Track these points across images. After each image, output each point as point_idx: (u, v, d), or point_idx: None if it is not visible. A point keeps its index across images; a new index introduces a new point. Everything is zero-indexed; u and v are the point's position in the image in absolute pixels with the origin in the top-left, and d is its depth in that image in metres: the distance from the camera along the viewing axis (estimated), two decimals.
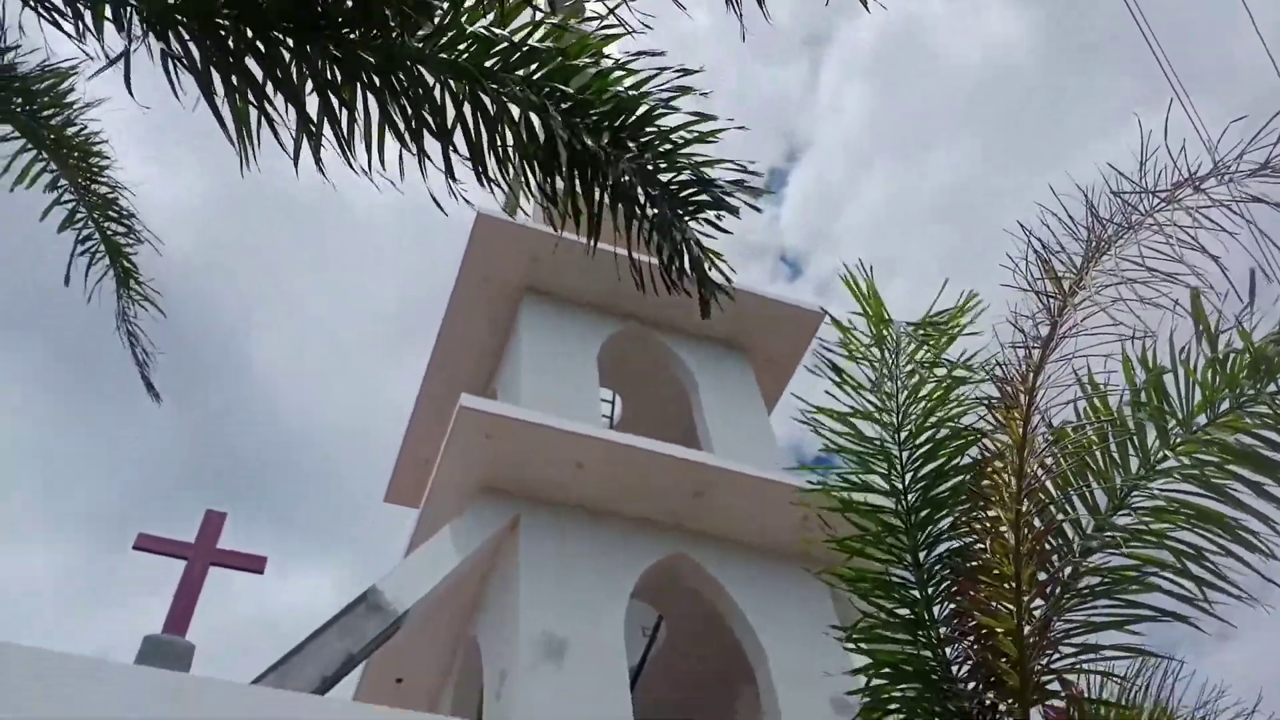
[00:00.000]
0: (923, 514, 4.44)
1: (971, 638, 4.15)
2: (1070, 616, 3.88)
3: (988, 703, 4.05)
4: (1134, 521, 3.80)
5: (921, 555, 4.38)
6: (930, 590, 4.30)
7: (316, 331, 42.11)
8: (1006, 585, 3.87)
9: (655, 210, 4.20)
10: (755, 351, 13.70)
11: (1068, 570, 3.84)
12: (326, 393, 42.69)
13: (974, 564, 4.13)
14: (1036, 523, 3.98)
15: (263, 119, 3.60)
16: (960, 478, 4.42)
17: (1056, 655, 3.90)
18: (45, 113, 6.27)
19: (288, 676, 7.49)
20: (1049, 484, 4.02)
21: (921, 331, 4.72)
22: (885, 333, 4.77)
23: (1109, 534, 3.79)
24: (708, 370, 13.04)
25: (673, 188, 4.26)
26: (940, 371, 4.64)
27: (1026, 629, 3.81)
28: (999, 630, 3.89)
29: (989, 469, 4.17)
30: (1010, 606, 3.84)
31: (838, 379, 4.80)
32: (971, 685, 4.09)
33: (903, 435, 4.58)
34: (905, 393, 4.58)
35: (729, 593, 9.85)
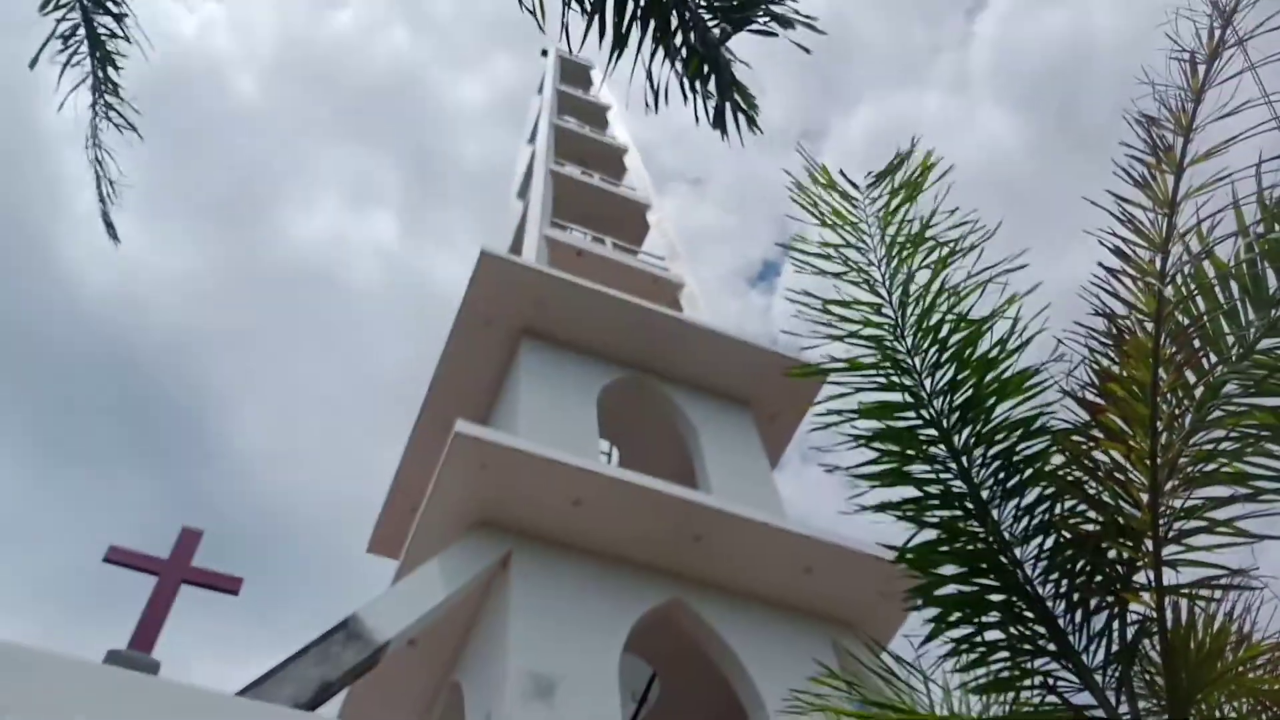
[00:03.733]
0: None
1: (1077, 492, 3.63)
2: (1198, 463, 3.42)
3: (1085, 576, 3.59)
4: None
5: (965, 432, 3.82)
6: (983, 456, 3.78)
7: (310, 407, 41.79)
8: (1139, 407, 3.40)
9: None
10: (759, 405, 13.40)
11: (1200, 396, 3.38)
12: (318, 466, 42.10)
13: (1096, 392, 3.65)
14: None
15: None
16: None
17: (1189, 499, 3.44)
18: None
19: (260, 699, 6.96)
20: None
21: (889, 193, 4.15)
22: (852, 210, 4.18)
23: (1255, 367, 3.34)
24: (709, 421, 12.72)
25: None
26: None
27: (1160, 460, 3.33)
28: (1124, 462, 3.43)
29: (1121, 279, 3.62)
30: (1140, 436, 3.36)
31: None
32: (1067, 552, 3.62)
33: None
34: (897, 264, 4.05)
35: (727, 642, 9.35)
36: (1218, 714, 4.11)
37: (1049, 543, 3.94)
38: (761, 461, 12.48)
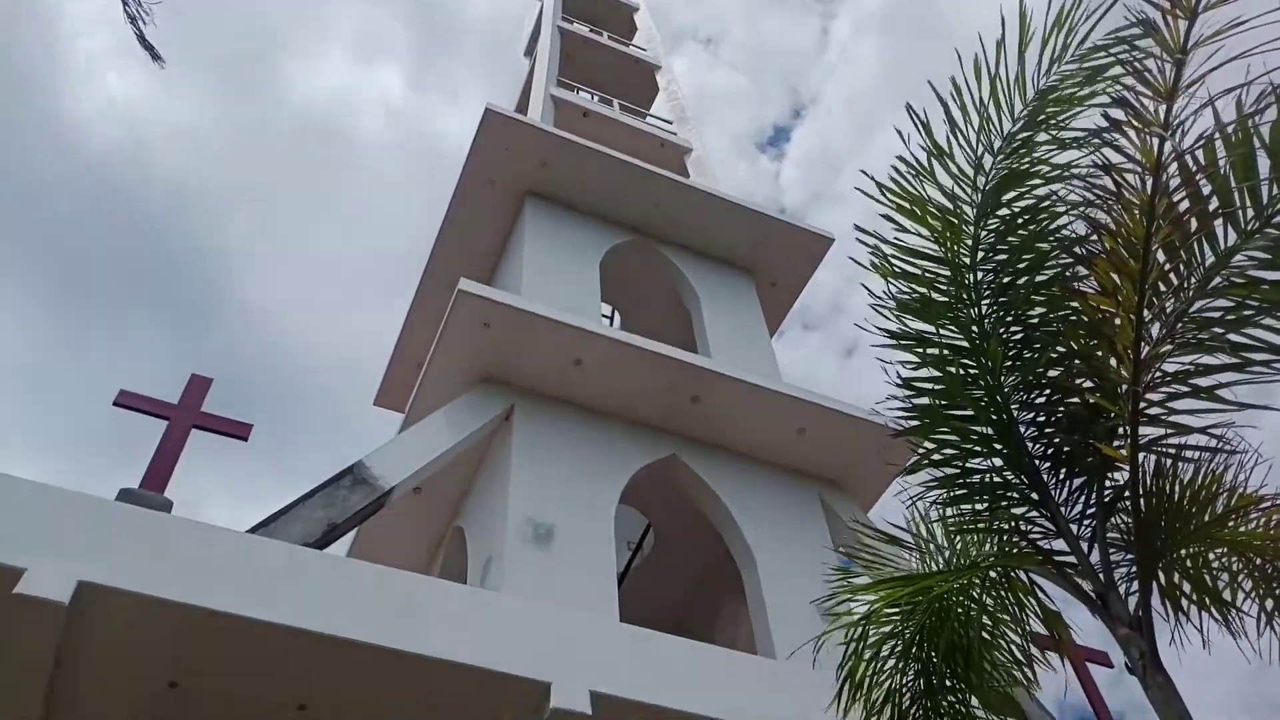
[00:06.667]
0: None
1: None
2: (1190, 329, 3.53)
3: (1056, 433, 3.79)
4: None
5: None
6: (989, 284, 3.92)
7: (318, 262, 41.76)
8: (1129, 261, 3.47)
9: None
10: (761, 273, 13.45)
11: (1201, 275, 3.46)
12: (327, 321, 42.40)
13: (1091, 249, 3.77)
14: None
15: None
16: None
17: (1174, 361, 3.58)
18: None
19: (270, 537, 7.29)
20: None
21: None
22: None
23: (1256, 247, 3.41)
24: (711, 286, 12.79)
25: None
26: None
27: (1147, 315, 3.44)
28: (1111, 316, 3.55)
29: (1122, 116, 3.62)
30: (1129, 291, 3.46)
31: None
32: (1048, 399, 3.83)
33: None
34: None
35: (721, 498, 9.69)
36: (1204, 572, 4.28)
37: (1041, 399, 4.09)
38: (760, 327, 12.62)
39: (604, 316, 13.63)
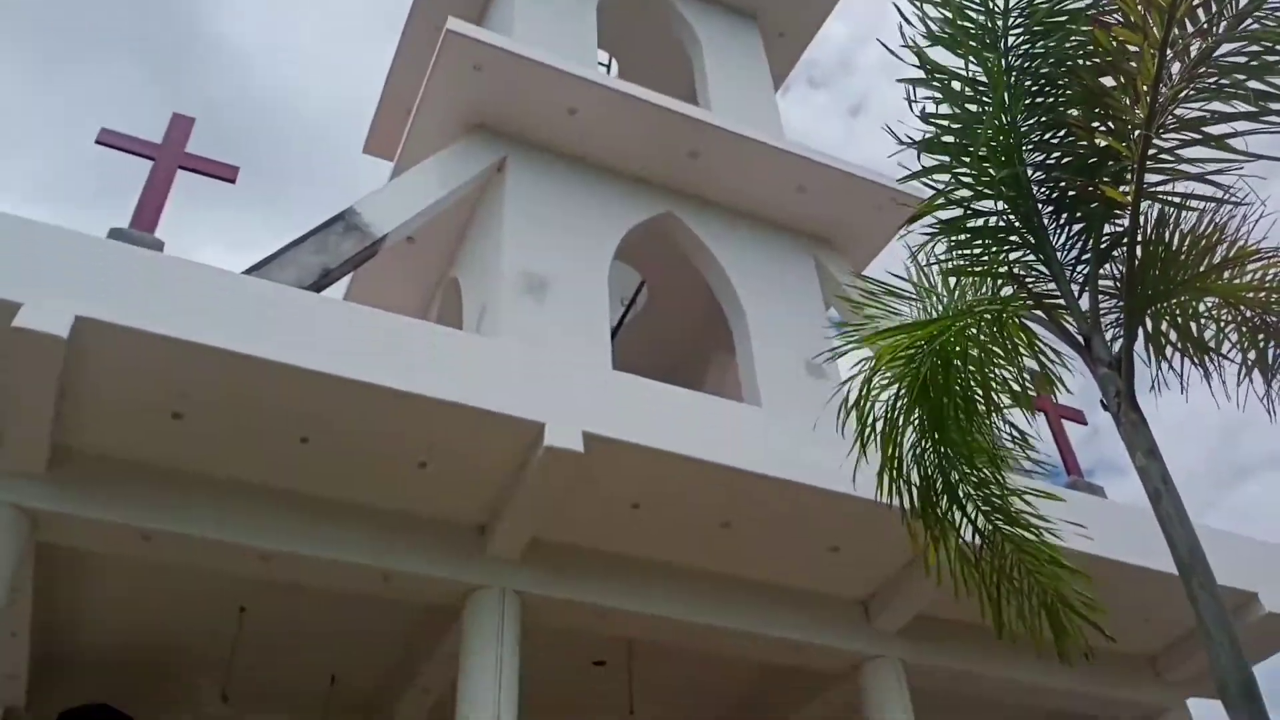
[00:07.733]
0: None
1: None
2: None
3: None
4: None
5: None
6: None
7: (298, 9, 39.37)
8: None
9: None
10: (768, 21, 12.74)
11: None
12: (314, 62, 40.49)
13: None
14: None
15: None
16: None
17: (1193, 93, 3.54)
18: None
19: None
20: None
21: None
22: None
23: None
24: (714, 34, 12.16)
25: None
26: None
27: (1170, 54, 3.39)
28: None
29: None
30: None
31: None
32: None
33: None
34: None
35: (715, 254, 9.67)
36: (1193, 321, 4.32)
37: (1056, 139, 3.98)
38: (765, 80, 12.11)
39: (601, 65, 13.03)
